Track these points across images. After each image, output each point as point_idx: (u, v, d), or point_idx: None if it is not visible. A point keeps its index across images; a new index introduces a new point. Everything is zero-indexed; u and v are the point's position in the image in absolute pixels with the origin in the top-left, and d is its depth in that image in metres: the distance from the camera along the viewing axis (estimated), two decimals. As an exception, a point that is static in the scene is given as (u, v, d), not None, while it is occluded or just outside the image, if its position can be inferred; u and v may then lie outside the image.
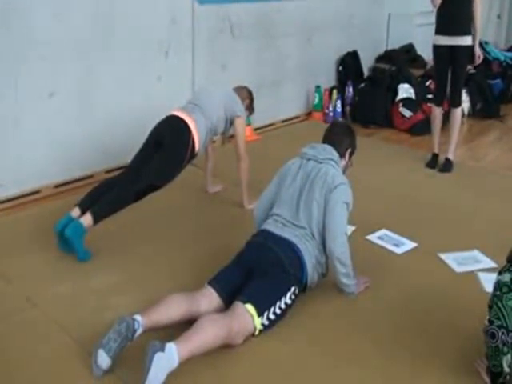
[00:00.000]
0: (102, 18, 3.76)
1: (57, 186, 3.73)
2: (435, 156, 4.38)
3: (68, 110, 3.70)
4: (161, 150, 2.98)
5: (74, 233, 2.75)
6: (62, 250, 2.84)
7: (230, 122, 3.35)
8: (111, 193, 2.90)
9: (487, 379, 2.06)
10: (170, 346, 1.92)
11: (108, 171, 3.89)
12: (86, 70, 3.75)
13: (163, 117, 3.14)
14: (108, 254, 2.90)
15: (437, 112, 4.35)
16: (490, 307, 2.01)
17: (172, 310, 2.17)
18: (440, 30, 4.11)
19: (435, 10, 4.14)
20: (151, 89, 4.14)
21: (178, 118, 3.07)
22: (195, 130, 3.05)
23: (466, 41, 4.06)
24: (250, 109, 3.58)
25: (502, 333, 1.96)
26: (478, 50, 4.13)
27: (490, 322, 1.98)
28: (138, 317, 2.09)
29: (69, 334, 2.27)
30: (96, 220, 2.82)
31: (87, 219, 2.79)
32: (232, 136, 3.47)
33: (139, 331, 2.07)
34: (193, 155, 3.08)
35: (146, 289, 2.58)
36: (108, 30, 3.82)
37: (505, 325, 1.95)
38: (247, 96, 3.53)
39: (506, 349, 1.96)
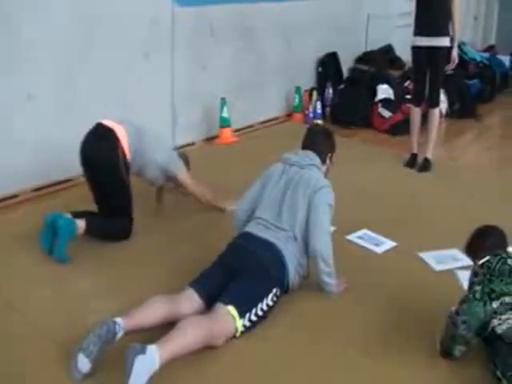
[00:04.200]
0: (81, 18, 3.73)
1: (36, 190, 3.69)
2: (414, 156, 4.42)
3: (47, 112, 3.67)
4: (98, 178, 2.95)
5: (66, 225, 2.74)
6: (43, 244, 2.79)
7: (165, 176, 3.22)
8: (104, 218, 2.97)
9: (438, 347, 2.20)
10: (151, 349, 1.92)
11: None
12: (65, 71, 3.71)
13: (92, 127, 3.02)
14: (89, 257, 2.87)
15: (415, 112, 4.40)
16: (464, 302, 2.13)
17: (153, 312, 2.17)
18: (418, 31, 4.15)
19: (414, 12, 4.17)
20: (131, 90, 4.12)
21: (106, 128, 2.96)
22: (126, 141, 2.94)
23: (444, 42, 4.10)
24: (186, 165, 3.36)
25: (464, 328, 2.07)
26: (454, 53, 4.15)
27: (457, 313, 2.09)
28: (118, 319, 2.08)
29: (49, 337, 2.25)
30: (88, 229, 2.84)
31: (81, 224, 2.81)
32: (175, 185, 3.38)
33: (120, 334, 2.06)
34: (127, 164, 2.96)
35: (127, 292, 2.57)
36: (87, 31, 3.79)
37: (469, 324, 2.07)
38: (183, 158, 3.36)
39: (461, 341, 2.08)
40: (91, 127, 3.03)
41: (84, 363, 1.95)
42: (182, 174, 3.24)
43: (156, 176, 3.19)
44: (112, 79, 3.99)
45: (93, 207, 3.05)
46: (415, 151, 4.43)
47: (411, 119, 4.45)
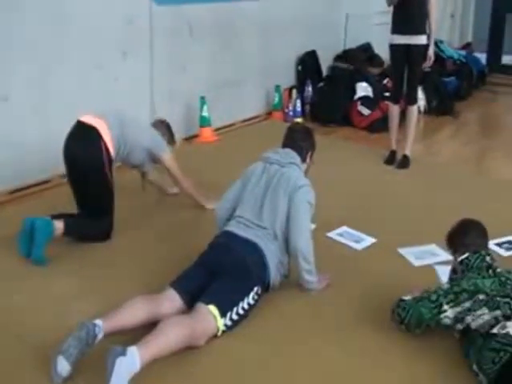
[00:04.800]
0: (56, 17, 3.69)
1: (12, 192, 3.64)
2: (393, 153, 4.46)
3: (22, 113, 3.62)
4: (82, 179, 2.92)
5: (43, 226, 2.71)
6: (20, 249, 2.76)
7: (151, 158, 3.24)
8: (84, 220, 2.95)
9: None
10: (132, 350, 1.91)
11: (65, 175, 3.81)
12: (41, 71, 3.67)
13: (73, 125, 3.00)
14: (68, 258, 2.85)
15: (394, 109, 4.43)
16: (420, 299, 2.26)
17: (133, 313, 2.16)
18: (396, 29, 4.19)
19: (392, 10, 4.21)
20: (109, 90, 4.09)
21: (86, 126, 2.93)
22: (108, 136, 2.91)
23: (422, 40, 4.15)
24: (171, 142, 3.41)
25: (396, 320, 2.32)
26: (431, 52, 4.20)
27: (398, 305, 2.30)
28: (98, 321, 2.07)
29: (28, 341, 2.22)
30: (66, 231, 2.82)
31: (59, 225, 2.78)
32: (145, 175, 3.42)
33: (100, 336, 2.05)
34: (110, 163, 2.95)
35: (107, 293, 2.55)
36: (63, 30, 3.75)
37: (403, 318, 2.28)
38: (166, 131, 3.39)
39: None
40: (72, 125, 3.00)
41: (63, 366, 1.93)
42: (167, 157, 3.23)
43: (142, 160, 3.19)
44: (88, 79, 3.95)
45: (72, 209, 3.02)
46: (394, 148, 4.47)
47: (389, 116, 4.49)
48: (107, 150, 2.92)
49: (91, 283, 2.66)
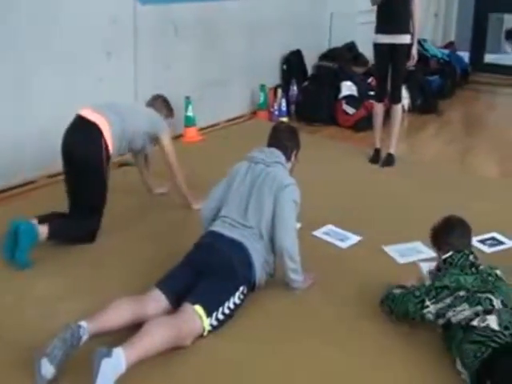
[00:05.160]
0: (39, 16, 3.66)
1: (-1, 192, 3.61)
2: (377, 151, 4.49)
3: (5, 112, 3.58)
4: (78, 175, 2.91)
5: (27, 231, 2.68)
6: (4, 250, 2.73)
7: (152, 140, 3.26)
8: (70, 221, 2.92)
9: None
10: (117, 352, 1.90)
11: (51, 176, 3.79)
12: (23, 70, 3.64)
13: (73, 118, 2.99)
14: (54, 259, 2.83)
15: (378, 108, 4.46)
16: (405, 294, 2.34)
17: (119, 314, 2.15)
18: (380, 28, 4.21)
19: (375, 9, 4.23)
20: (93, 90, 4.06)
21: (88, 121, 2.92)
22: (109, 133, 2.91)
23: (406, 39, 4.17)
24: (169, 115, 3.44)
25: (386, 311, 2.42)
26: (414, 51, 4.23)
27: (387, 297, 2.41)
28: (83, 323, 2.06)
29: (12, 343, 2.20)
30: (51, 235, 2.79)
31: (43, 229, 2.76)
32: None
33: (85, 338, 2.04)
34: (108, 160, 2.96)
35: (93, 294, 2.54)
36: (46, 29, 3.72)
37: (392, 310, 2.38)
38: (163, 105, 3.42)
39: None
40: (72, 119, 2.98)
41: (47, 369, 1.92)
42: (166, 138, 3.26)
43: (143, 144, 3.22)
44: (73, 79, 3.92)
45: (58, 208, 3.00)
46: (378, 146, 4.49)
47: (374, 115, 4.52)
48: (106, 147, 2.91)
49: (77, 284, 2.64)
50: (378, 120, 4.49)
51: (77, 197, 2.95)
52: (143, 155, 3.47)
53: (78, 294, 2.55)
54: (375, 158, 4.45)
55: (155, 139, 3.26)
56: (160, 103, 3.42)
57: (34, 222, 2.80)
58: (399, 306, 2.33)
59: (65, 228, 2.91)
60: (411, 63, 4.30)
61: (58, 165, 3.74)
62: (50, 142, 3.78)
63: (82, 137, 2.92)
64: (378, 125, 4.50)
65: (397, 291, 2.37)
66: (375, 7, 4.23)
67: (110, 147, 2.94)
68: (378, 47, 4.27)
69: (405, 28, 4.17)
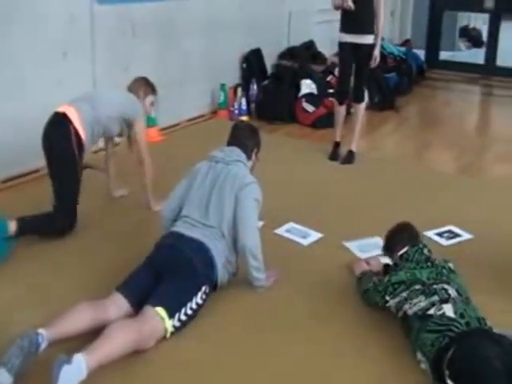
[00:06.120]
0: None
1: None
2: (337, 145, 4.48)
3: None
4: (52, 165, 3.03)
5: None
6: None
7: (128, 125, 3.27)
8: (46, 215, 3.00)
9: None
10: (78, 358, 1.88)
11: (5, 181, 3.71)
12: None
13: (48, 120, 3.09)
14: (10, 265, 2.76)
15: (340, 109, 4.43)
16: (368, 290, 2.47)
17: (78, 319, 2.12)
18: (344, 28, 4.21)
19: (334, 8, 4.22)
20: (50, 91, 3.98)
21: (59, 115, 3.04)
22: (78, 121, 3.00)
23: (369, 39, 4.20)
24: (148, 93, 3.42)
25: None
26: (376, 53, 4.23)
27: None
28: (41, 330, 2.02)
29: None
30: (20, 230, 2.85)
31: (12, 224, 2.82)
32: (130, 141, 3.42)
33: (44, 345, 2.00)
34: (81, 147, 3.03)
35: (52, 300, 2.50)
36: (2, 30, 3.62)
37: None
38: (139, 85, 3.39)
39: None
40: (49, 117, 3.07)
41: (5, 378, 1.87)
42: (140, 124, 3.28)
43: (121, 128, 3.26)
44: (28, 80, 3.83)
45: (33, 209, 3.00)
46: (338, 139, 4.47)
47: (335, 113, 4.50)
48: (77, 133, 2.99)
49: (35, 291, 2.59)
50: (339, 118, 4.48)
51: (54, 187, 3.03)
52: (113, 143, 3.52)
53: (37, 301, 2.50)
54: (334, 155, 4.47)
55: (130, 124, 3.27)
56: (136, 84, 3.40)
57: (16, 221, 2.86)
58: (369, 300, 2.45)
59: (38, 221, 2.97)
60: (373, 64, 4.30)
61: (15, 169, 3.70)
62: (7, 147, 3.72)
63: (54, 130, 3.03)
64: (339, 123, 4.50)
65: (369, 284, 2.46)
66: (335, 9, 4.23)
67: (82, 133, 3.00)
68: (342, 46, 4.26)
69: (369, 28, 4.19)
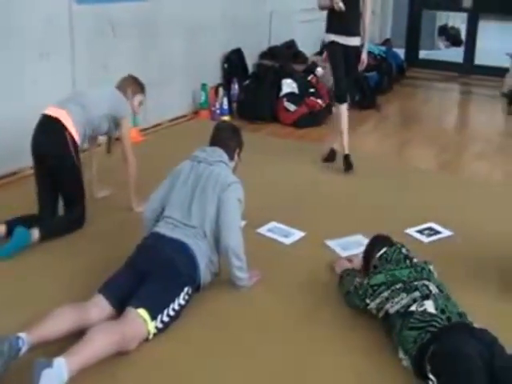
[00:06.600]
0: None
1: None
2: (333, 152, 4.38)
3: None
4: (55, 173, 3.03)
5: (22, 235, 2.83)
6: None
7: (115, 123, 3.29)
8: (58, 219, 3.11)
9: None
10: (59, 361, 1.86)
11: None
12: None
13: (38, 120, 3.07)
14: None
15: (343, 109, 4.26)
16: (349, 292, 2.47)
17: (60, 322, 2.10)
18: (333, 29, 4.13)
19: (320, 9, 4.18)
20: (27, 92, 3.93)
21: (51, 119, 3.02)
22: (71, 124, 3.01)
23: (357, 41, 4.17)
24: (136, 92, 3.45)
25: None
26: (364, 56, 4.19)
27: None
28: (22, 334, 2.00)
29: None
30: (42, 237, 2.92)
31: (35, 233, 2.88)
32: (117, 138, 3.41)
33: (24, 349, 1.98)
34: (77, 150, 3.07)
35: (34, 302, 2.47)
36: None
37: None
38: (127, 84, 3.41)
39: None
40: (38, 120, 3.06)
41: (-15, 383, 1.86)
42: (126, 123, 3.31)
43: (108, 127, 3.28)
44: (5, 81, 3.78)
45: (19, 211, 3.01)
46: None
47: (341, 117, 4.25)
48: (72, 138, 3.01)
49: (16, 294, 2.55)
50: (344, 121, 4.24)
51: (60, 193, 3.08)
52: (96, 141, 3.54)
53: (17, 305, 2.46)
54: (331, 157, 4.40)
55: (117, 122, 3.29)
56: (124, 83, 3.42)
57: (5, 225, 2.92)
58: (350, 303, 2.45)
59: (56, 227, 3.05)
60: (361, 67, 4.27)
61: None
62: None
63: (48, 137, 3.02)
64: (345, 127, 4.24)
65: (350, 287, 2.46)
66: (317, 6, 4.20)
67: (76, 137, 3.04)
68: (333, 46, 4.17)
69: (356, 30, 4.15)
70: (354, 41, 4.17)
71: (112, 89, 3.36)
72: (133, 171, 3.37)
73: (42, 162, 3.04)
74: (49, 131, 3.03)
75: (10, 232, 2.88)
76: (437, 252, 2.98)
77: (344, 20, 4.08)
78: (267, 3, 6.49)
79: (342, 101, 4.29)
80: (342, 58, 4.19)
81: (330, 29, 4.18)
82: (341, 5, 3.96)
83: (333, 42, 4.17)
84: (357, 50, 4.21)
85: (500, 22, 10.68)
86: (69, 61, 4.28)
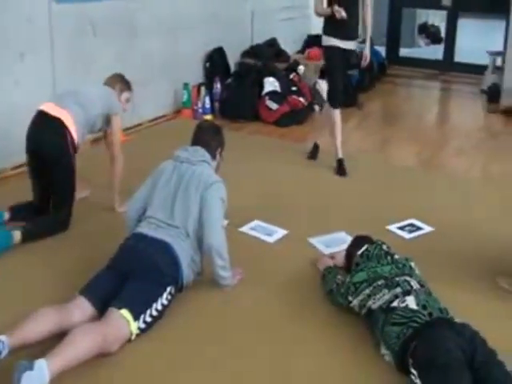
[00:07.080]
0: None
1: None
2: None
3: None
4: (50, 171, 3.01)
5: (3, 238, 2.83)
6: None
7: (107, 120, 3.30)
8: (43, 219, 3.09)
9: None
10: (40, 363, 1.85)
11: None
12: None
13: (35, 114, 3.08)
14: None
15: (337, 115, 4.25)
16: (332, 291, 2.50)
17: (41, 324, 2.09)
18: (333, 33, 4.08)
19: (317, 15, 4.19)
20: (7, 93, 3.89)
21: (50, 117, 3.01)
22: (72, 124, 3.03)
23: (354, 45, 4.19)
24: (124, 89, 3.46)
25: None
26: (367, 52, 4.24)
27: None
28: (2, 337, 1.98)
29: None
30: (24, 239, 2.91)
31: (17, 235, 2.87)
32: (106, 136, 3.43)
33: (5, 352, 1.97)
34: (75, 150, 3.09)
35: (14, 303, 2.45)
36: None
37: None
38: (116, 80, 3.43)
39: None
40: (34, 116, 3.06)
41: (-35, 387, 1.84)
42: (117, 120, 3.31)
43: (102, 125, 3.31)
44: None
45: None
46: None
47: (335, 124, 4.24)
48: (72, 138, 3.03)
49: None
50: (337, 126, 4.24)
51: (48, 189, 3.08)
52: (103, 133, 3.49)
53: (0, 304, 2.45)
54: (314, 154, 4.43)
55: (109, 119, 3.30)
56: (111, 80, 3.43)
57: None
58: (333, 301, 2.48)
59: (39, 229, 3.02)
60: (364, 64, 4.29)
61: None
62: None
63: (48, 134, 3.01)
64: (339, 132, 4.23)
65: (333, 285, 2.48)
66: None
67: (75, 137, 3.06)
68: (333, 50, 4.11)
69: (356, 34, 4.18)
70: (351, 44, 4.18)
71: (104, 86, 3.37)
72: (119, 170, 3.35)
73: (38, 159, 3.02)
74: (49, 129, 3.01)
75: (13, 217, 3.01)
76: (418, 248, 3.02)
77: (345, 25, 4.02)
78: (248, 2, 6.49)
79: (336, 106, 4.27)
80: (341, 63, 4.20)
81: (331, 32, 4.10)
82: (343, 14, 3.90)
83: (333, 46, 4.12)
84: (352, 53, 4.24)
85: (479, 20, 10.80)
86: (49, 60, 4.24)
